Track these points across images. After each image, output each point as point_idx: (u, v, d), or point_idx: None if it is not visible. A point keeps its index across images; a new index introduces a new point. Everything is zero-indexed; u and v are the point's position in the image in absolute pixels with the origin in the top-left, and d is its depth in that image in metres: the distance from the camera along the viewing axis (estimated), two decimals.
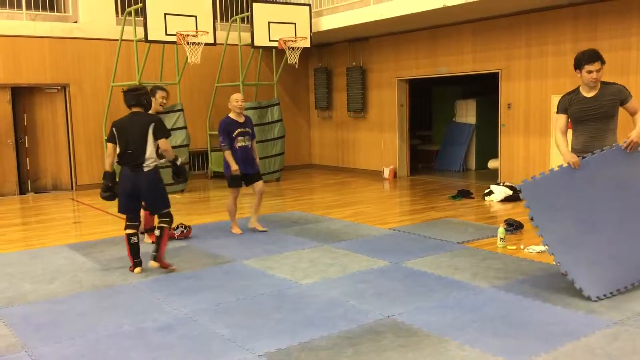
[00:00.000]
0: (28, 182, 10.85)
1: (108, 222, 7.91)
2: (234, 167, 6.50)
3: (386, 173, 11.64)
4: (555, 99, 9.00)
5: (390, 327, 3.89)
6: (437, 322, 3.95)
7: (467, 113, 12.61)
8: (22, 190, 10.68)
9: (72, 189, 10.94)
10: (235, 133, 6.55)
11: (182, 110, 10.35)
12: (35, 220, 8.36)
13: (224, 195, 9.98)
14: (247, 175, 6.69)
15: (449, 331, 3.78)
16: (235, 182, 6.62)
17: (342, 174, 12.39)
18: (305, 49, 11.14)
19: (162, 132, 5.20)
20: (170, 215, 5.31)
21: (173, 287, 4.85)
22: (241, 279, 5.06)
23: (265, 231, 6.86)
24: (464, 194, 9.14)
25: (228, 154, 6.53)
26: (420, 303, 4.34)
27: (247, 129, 6.69)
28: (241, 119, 6.67)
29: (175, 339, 3.78)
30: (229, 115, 6.70)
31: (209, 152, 12.02)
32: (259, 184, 6.81)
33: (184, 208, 8.88)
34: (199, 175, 12.12)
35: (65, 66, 10.68)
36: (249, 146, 6.68)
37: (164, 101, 6.20)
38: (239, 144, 6.57)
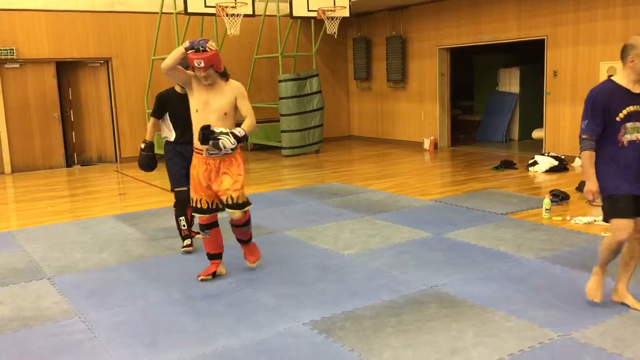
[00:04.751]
0: (74, 154, 11.13)
1: (152, 194, 8.07)
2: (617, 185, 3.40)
3: (426, 144, 11.51)
4: (604, 67, 8.69)
5: (433, 297, 3.88)
6: (481, 292, 3.92)
7: (510, 82, 12.29)
8: (69, 163, 10.98)
9: (116, 161, 11.18)
10: (624, 113, 3.37)
11: None
12: (82, 192, 8.59)
13: (264, 168, 10.06)
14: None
15: (494, 302, 3.75)
16: (623, 209, 3.38)
17: (382, 146, 12.30)
18: (344, 18, 10.99)
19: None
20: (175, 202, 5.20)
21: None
22: (284, 250, 5.11)
23: None
24: (507, 164, 8.97)
25: (591, 159, 3.47)
26: (464, 274, 4.31)
27: None
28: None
29: (222, 307, 3.86)
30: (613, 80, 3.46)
31: None
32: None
33: None
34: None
35: (107, 40, 10.82)
36: None
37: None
38: (630, 137, 3.40)
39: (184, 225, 5.10)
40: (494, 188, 7.48)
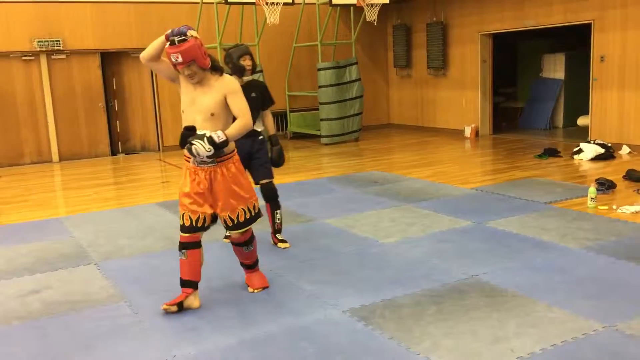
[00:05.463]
0: (119, 143, 11.40)
1: None
2: None
3: (467, 132, 11.34)
4: None
5: (474, 286, 3.85)
6: (524, 282, 3.87)
7: (555, 68, 11.98)
8: (114, 152, 11.25)
9: (158, 150, 11.40)
10: None
11: (261, 71, 10.45)
12: (126, 179, 8.80)
13: (303, 156, 10.11)
14: None
15: (537, 292, 3.69)
16: None
17: (422, 134, 12.18)
18: (383, 5, 10.89)
19: None
20: None
21: (258, 244, 4.97)
22: (323, 237, 5.13)
23: None
24: (551, 152, 8.77)
25: None
26: (505, 263, 4.26)
27: None
28: None
29: (261, 293, 3.91)
30: None
31: (287, 113, 12.14)
32: None
33: None
34: (278, 136, 12.27)
35: (149, 30, 10.97)
36: None
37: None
38: None
39: None
40: (537, 176, 7.33)
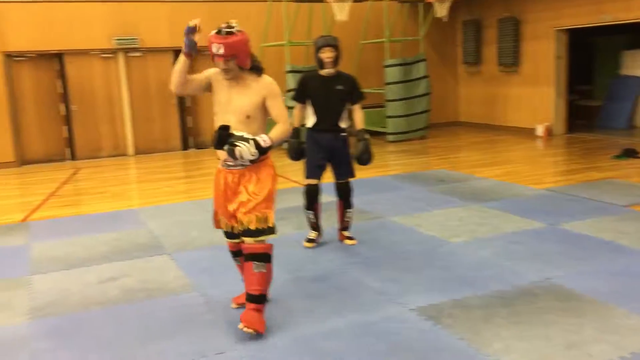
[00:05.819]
0: (190, 138, 11.73)
1: None
2: None
3: (539, 130, 10.98)
4: None
5: (548, 290, 3.73)
6: (600, 287, 3.72)
7: (635, 65, 11.41)
8: (185, 146, 11.59)
9: None
10: None
11: None
12: (197, 173, 9.06)
13: (375, 153, 10.05)
14: None
15: (615, 298, 3.54)
16: None
17: (491, 132, 11.90)
18: (454, 1, 10.69)
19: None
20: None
21: (324, 240, 5.01)
22: (390, 235, 5.11)
23: None
24: (630, 153, 8.36)
25: None
26: (581, 267, 4.10)
27: None
28: None
29: (329, 288, 3.94)
30: None
31: None
32: None
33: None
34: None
35: None
36: None
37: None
38: None
39: (312, 219, 4.81)
40: (615, 178, 7.02)
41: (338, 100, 4.59)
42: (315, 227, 4.86)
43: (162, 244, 5.14)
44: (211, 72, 3.33)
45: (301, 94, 4.64)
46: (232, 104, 3.25)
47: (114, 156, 10.93)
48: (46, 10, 10.15)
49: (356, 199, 6.42)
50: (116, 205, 6.89)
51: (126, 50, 10.79)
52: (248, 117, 3.24)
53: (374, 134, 11.94)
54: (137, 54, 10.91)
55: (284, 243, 5.00)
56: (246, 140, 3.12)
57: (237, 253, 3.55)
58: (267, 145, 3.17)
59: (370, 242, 4.91)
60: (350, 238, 4.93)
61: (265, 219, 3.28)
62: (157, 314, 3.65)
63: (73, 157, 10.73)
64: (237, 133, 3.15)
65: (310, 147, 4.64)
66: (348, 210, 4.87)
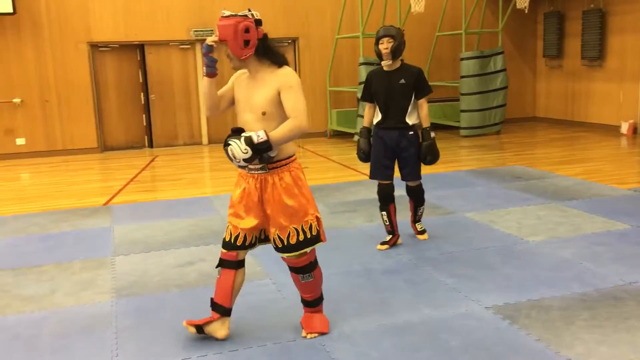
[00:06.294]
0: None
1: (331, 168, 8.36)
2: None
3: (624, 128, 10.44)
4: None
5: (633, 294, 3.55)
6: None
7: None
8: None
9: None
10: None
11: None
12: None
13: (441, 148, 9.79)
14: None
15: None
16: None
17: (571, 128, 11.42)
18: None
19: None
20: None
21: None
22: (464, 231, 5.01)
23: None
24: None
25: None
26: None
27: None
28: None
29: (401, 282, 3.91)
30: None
31: None
32: None
33: None
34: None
35: (295, 21, 11.34)
36: None
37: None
38: None
39: (385, 221, 4.60)
40: None
41: (402, 95, 4.33)
42: (390, 230, 4.62)
43: None
44: (234, 75, 3.12)
45: (367, 92, 4.48)
46: (249, 101, 2.98)
47: (189, 145, 11.26)
48: (129, 3, 10.55)
49: (428, 194, 6.33)
50: (191, 192, 7.09)
51: (203, 42, 11.03)
52: (264, 113, 2.91)
53: (448, 128, 11.76)
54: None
55: (355, 235, 5.00)
56: (238, 137, 2.83)
57: (224, 263, 3.11)
58: (261, 140, 2.78)
59: (444, 237, 4.83)
60: (421, 232, 4.85)
61: (309, 228, 3.01)
62: None
63: (151, 145, 11.14)
64: (247, 134, 2.84)
65: (375, 145, 4.48)
66: (419, 207, 4.78)
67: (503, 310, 3.40)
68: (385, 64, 4.32)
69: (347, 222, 5.41)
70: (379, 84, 4.38)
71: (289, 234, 2.99)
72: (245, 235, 3.05)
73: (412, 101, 4.36)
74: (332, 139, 11.25)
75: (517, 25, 12.33)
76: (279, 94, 2.90)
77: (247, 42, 2.86)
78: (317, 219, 3.07)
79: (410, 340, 3.09)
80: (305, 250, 3.03)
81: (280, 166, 2.97)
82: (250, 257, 4.51)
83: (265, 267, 4.28)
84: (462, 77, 10.73)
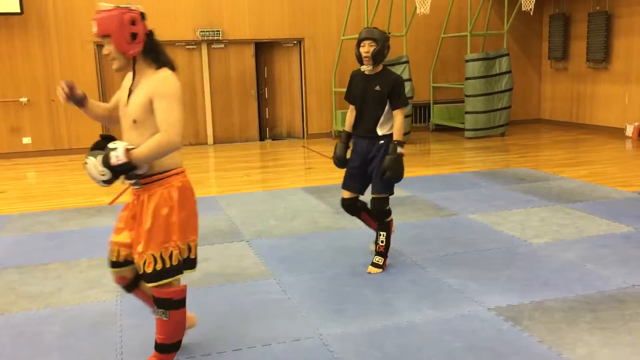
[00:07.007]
0: (267, 129, 11.95)
1: (336, 169, 8.31)
2: None
3: (629, 131, 10.43)
4: None
5: (636, 297, 3.56)
6: None
7: None
8: (262, 137, 11.82)
9: (303, 137, 11.78)
10: None
11: (407, 62, 10.38)
12: (273, 164, 9.22)
13: (445, 149, 9.92)
14: None
15: None
16: None
17: (576, 130, 11.41)
18: None
19: None
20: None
21: (401, 235, 4.98)
22: (467, 233, 5.02)
23: None
24: None
25: None
26: None
27: None
28: None
29: (404, 283, 3.92)
30: None
31: (431, 105, 11.96)
32: None
33: (405, 160, 9.02)
34: (420, 128, 12.14)
35: (301, 21, 11.36)
36: None
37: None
38: None
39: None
40: None
41: (374, 102, 3.95)
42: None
43: (240, 231, 5.28)
44: (126, 77, 2.75)
45: (348, 93, 4.14)
46: (124, 106, 2.66)
47: (194, 144, 11.30)
48: (135, 3, 10.57)
49: (432, 195, 6.37)
50: (196, 192, 7.06)
51: (209, 42, 11.10)
52: (135, 121, 2.58)
53: (452, 129, 11.76)
54: (220, 45, 11.20)
55: (359, 235, 5.02)
56: (98, 154, 2.50)
57: (125, 287, 2.86)
58: (119, 163, 2.45)
59: (447, 239, 4.84)
60: (375, 265, 4.14)
61: (170, 257, 2.59)
62: (237, 298, 3.75)
63: None
64: (113, 144, 2.51)
65: (351, 153, 4.18)
66: (382, 233, 4.12)
67: (506, 311, 3.42)
68: (365, 69, 3.96)
69: (351, 223, 5.42)
70: (357, 87, 4.05)
71: (145, 261, 2.59)
72: (118, 250, 2.73)
73: (385, 110, 3.96)
74: (337, 140, 11.26)
75: (522, 27, 12.32)
76: (151, 101, 2.54)
77: (134, 36, 2.53)
78: (185, 247, 2.66)
79: (414, 341, 3.11)
80: (165, 281, 2.61)
81: (152, 181, 2.62)
82: (255, 257, 4.54)
83: (270, 268, 4.30)
84: (467, 78, 10.72)
